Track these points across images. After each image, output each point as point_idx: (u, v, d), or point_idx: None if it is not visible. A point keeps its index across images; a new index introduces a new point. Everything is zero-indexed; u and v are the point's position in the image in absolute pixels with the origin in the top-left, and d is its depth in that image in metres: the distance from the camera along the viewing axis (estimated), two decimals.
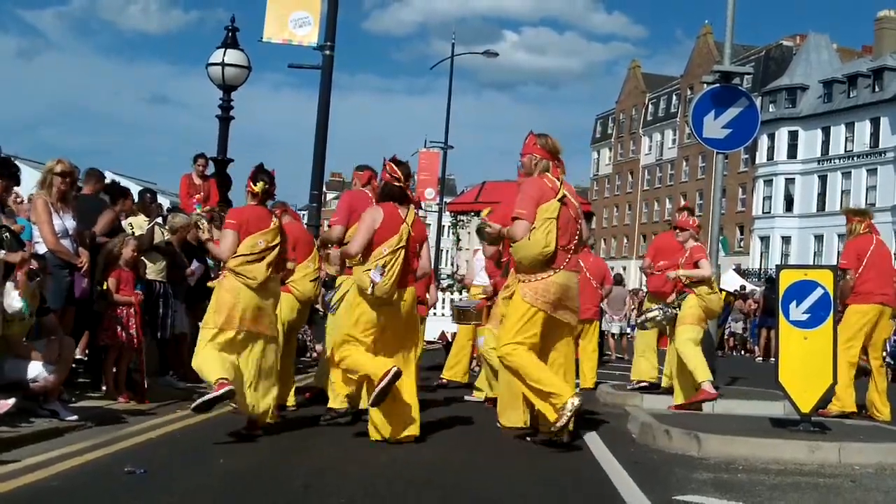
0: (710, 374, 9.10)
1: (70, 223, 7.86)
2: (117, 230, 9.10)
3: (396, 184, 6.93)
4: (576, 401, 6.53)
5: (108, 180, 10.22)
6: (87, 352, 9.21)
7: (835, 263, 9.26)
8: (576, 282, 6.97)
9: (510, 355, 6.76)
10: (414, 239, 6.86)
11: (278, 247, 6.94)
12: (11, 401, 6.38)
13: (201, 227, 7.53)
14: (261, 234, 6.88)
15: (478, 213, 21.03)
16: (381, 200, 7.02)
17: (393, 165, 7.00)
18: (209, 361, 6.58)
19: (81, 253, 7.98)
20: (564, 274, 6.81)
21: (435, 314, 16.62)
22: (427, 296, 9.78)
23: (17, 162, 7.87)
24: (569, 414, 6.48)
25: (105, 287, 8.43)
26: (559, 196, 6.79)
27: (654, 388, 10.55)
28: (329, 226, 8.35)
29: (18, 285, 6.57)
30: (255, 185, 7.02)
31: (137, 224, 9.76)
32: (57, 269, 7.66)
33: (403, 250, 6.72)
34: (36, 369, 6.77)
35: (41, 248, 7.54)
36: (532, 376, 6.67)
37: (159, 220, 10.32)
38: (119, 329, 8.37)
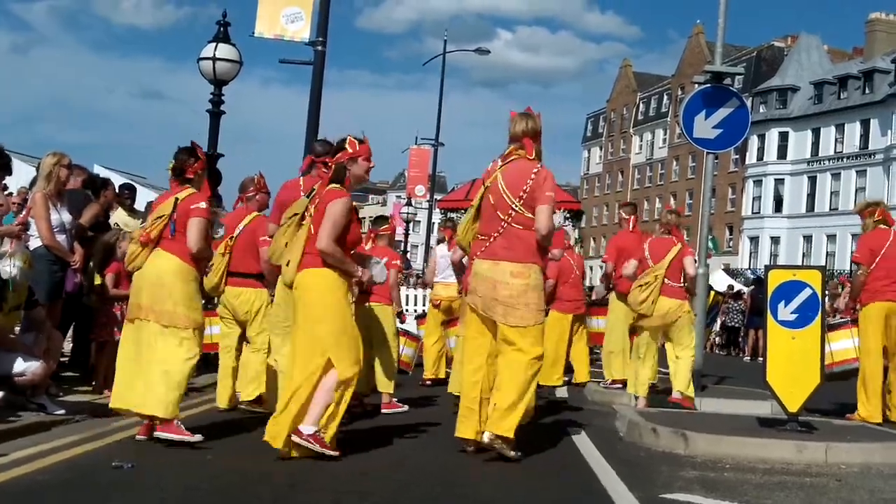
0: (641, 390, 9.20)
1: (66, 217, 7.89)
2: (102, 223, 9.08)
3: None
4: (486, 437, 6.08)
5: (96, 173, 10.21)
6: (72, 346, 9.19)
7: (823, 264, 9.22)
8: (488, 269, 6.20)
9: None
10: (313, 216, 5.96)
11: (157, 221, 6.26)
12: (0, 394, 6.38)
13: None
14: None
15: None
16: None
17: None
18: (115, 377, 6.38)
19: (75, 249, 8.00)
20: (478, 263, 6.31)
21: (416, 310, 16.45)
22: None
23: (10, 155, 7.86)
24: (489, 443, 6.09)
25: (101, 282, 8.40)
26: (489, 181, 6.34)
27: (626, 385, 10.45)
28: None
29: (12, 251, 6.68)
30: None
31: (123, 221, 9.76)
32: (48, 265, 7.65)
33: (297, 227, 5.96)
34: (23, 363, 6.75)
35: (35, 243, 7.52)
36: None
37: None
38: (116, 325, 8.32)
